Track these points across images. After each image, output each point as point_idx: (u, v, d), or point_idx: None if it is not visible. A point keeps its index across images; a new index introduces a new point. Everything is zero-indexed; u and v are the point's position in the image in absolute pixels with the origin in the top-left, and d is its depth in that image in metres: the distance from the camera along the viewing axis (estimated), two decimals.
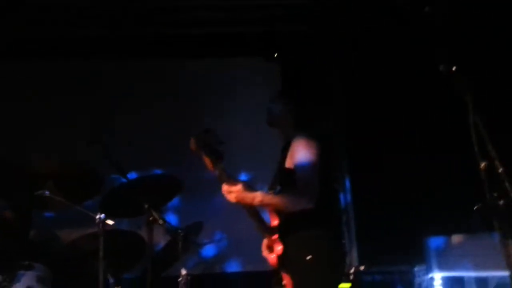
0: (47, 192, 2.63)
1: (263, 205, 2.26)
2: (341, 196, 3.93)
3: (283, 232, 2.28)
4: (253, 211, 2.32)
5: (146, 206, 2.83)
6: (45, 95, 3.80)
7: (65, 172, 2.72)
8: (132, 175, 3.21)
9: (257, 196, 2.20)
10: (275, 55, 4.06)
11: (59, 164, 2.72)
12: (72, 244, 2.83)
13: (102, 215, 2.61)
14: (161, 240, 3.06)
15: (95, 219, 2.61)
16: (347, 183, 4.00)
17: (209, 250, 3.74)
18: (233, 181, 2.25)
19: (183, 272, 2.84)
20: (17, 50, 3.80)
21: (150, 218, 2.83)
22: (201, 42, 3.96)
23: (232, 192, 2.21)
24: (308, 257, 2.16)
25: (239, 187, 2.20)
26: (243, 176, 3.93)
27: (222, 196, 2.29)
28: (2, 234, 2.99)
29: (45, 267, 2.64)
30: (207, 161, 2.28)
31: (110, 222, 2.64)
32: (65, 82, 3.84)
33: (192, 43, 3.97)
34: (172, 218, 3.63)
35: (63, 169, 2.71)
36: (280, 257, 2.27)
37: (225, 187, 2.24)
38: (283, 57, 4.15)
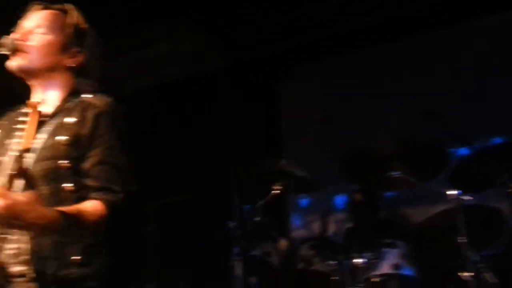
0: (397, 173, 2.72)
1: None
2: None
3: None
4: None
5: (501, 177, 2.62)
6: (374, 79, 3.92)
7: (410, 151, 2.74)
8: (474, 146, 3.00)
9: None
10: None
11: (403, 143, 2.75)
12: (428, 222, 2.84)
13: (458, 191, 2.53)
14: None
15: (448, 195, 2.56)
16: None
17: None
18: None
19: None
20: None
21: (510, 190, 2.60)
22: None
23: None
24: None
25: None
26: None
27: None
28: (356, 215, 3.27)
29: (407, 245, 2.72)
30: None
31: (467, 197, 2.54)
32: (389, 63, 3.89)
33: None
34: None
35: (408, 148, 2.74)
36: None
37: None
38: None
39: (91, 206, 1.45)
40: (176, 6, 3.87)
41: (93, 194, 1.48)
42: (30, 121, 1.34)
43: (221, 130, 4.24)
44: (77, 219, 1.40)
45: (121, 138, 1.57)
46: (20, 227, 1.35)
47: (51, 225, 1.35)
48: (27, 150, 1.33)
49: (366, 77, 3.88)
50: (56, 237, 1.46)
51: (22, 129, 1.33)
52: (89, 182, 1.50)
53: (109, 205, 1.45)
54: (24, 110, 1.36)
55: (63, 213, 1.38)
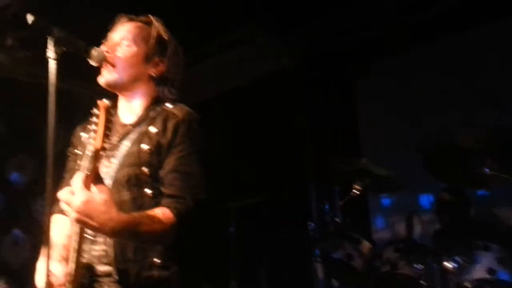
0: (487, 170, 2.54)
1: None
2: None
3: None
4: None
5: None
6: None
7: (502, 144, 2.54)
8: None
9: None
10: None
11: (494, 137, 2.56)
12: None
13: None
14: None
15: None
16: None
17: None
18: None
19: None
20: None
21: None
22: None
23: None
24: None
25: None
26: None
27: None
28: (444, 216, 3.09)
29: (503, 248, 2.52)
30: None
31: None
32: (470, 53, 3.64)
33: None
34: None
35: (499, 142, 2.54)
36: None
37: None
38: None
39: (162, 213, 1.50)
40: (249, 7, 3.90)
41: (165, 201, 1.54)
42: (100, 122, 1.36)
43: (299, 129, 4.21)
44: (145, 224, 1.45)
45: (196, 146, 1.62)
46: (91, 227, 1.40)
47: (119, 228, 1.40)
48: (100, 150, 1.36)
49: (446, 69, 3.66)
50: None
51: (94, 130, 1.38)
52: (163, 189, 1.57)
53: (178, 213, 1.50)
54: (95, 111, 1.39)
55: (132, 218, 1.44)
